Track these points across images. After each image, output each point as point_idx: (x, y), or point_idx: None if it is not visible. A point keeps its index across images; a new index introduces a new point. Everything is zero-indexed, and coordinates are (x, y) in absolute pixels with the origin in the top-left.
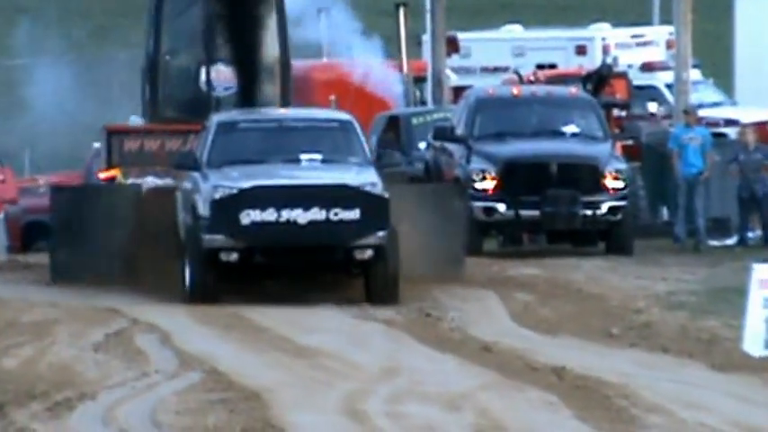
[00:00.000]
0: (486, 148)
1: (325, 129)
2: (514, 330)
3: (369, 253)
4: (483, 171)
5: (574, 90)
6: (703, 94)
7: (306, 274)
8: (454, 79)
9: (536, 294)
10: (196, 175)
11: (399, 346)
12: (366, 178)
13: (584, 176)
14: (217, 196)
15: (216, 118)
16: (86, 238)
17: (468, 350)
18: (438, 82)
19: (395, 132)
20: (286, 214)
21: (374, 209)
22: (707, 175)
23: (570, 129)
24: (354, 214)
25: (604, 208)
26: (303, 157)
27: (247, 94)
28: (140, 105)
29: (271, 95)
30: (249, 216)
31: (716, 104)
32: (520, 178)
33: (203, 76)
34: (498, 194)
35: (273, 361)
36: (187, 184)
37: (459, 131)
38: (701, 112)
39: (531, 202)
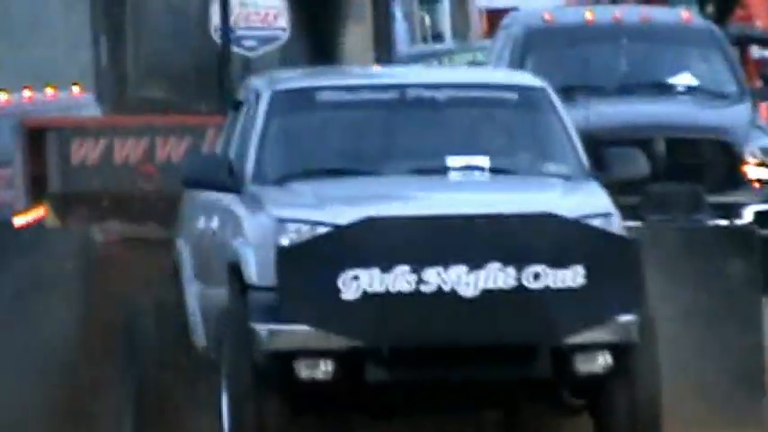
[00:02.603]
0: None
1: (495, 105)
2: None
3: (602, 361)
4: None
5: None
6: None
7: (463, 407)
8: None
9: None
10: (231, 199)
11: None
12: (590, 204)
13: None
14: (286, 242)
15: (267, 83)
16: None
17: None
18: None
19: None
20: (434, 278)
21: (613, 266)
22: None
23: None
24: (574, 276)
25: None
26: (452, 162)
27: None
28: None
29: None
30: (357, 282)
31: None
32: None
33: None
34: None
35: None
36: (203, 223)
37: None
38: None
39: None
